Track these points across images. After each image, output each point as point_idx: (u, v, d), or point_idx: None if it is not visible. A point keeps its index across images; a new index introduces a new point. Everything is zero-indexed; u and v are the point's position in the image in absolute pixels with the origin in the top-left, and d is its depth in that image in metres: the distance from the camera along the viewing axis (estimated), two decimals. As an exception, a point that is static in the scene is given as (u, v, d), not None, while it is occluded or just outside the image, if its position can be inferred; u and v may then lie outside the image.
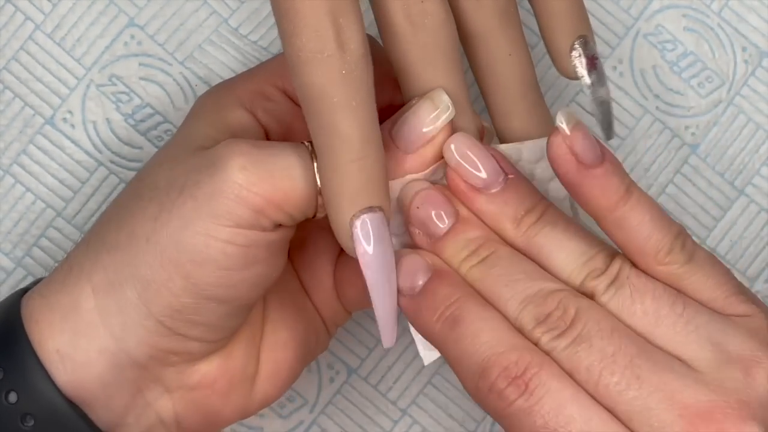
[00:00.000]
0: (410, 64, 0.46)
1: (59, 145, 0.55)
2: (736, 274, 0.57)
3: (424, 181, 0.46)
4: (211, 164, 0.45)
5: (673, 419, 0.42)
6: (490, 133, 0.49)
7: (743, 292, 0.45)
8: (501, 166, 0.46)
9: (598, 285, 0.44)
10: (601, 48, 0.57)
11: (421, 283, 0.45)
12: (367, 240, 0.43)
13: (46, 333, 0.46)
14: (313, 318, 0.51)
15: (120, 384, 0.47)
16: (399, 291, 0.45)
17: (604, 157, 0.44)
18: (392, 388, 0.56)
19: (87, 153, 0.55)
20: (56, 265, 0.48)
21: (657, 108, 0.57)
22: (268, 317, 0.50)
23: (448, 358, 0.45)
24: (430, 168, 0.46)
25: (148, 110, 0.56)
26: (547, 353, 0.43)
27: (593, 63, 0.48)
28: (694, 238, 0.57)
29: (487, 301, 0.45)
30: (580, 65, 0.48)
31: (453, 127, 0.46)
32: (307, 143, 0.45)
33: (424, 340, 0.47)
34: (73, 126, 0.55)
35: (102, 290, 0.46)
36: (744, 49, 0.58)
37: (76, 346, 0.46)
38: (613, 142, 0.57)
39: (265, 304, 0.50)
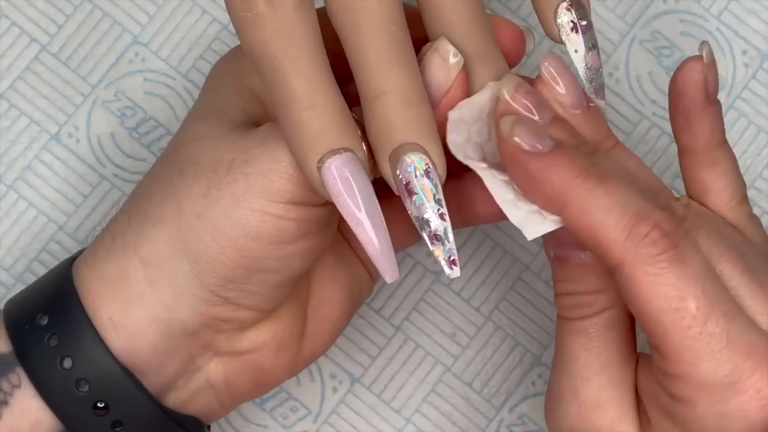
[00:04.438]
0: None
1: (63, 159, 0.56)
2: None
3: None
4: (261, 143, 0.45)
5: None
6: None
7: None
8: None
9: None
10: (596, 54, 0.58)
11: (547, 144, 0.44)
12: (334, 184, 0.43)
13: (99, 301, 0.47)
14: (356, 267, 0.51)
15: (172, 352, 0.47)
16: (516, 146, 0.44)
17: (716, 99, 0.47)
18: (396, 397, 0.56)
19: (90, 167, 0.56)
20: (96, 234, 0.48)
21: (654, 113, 0.57)
22: (314, 276, 0.50)
23: (588, 209, 0.43)
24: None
25: (152, 123, 0.57)
26: None
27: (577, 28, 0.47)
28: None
29: None
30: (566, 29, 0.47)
31: None
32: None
33: (524, 217, 0.45)
34: (78, 140, 0.57)
35: (151, 262, 0.47)
36: (744, 53, 0.58)
37: (128, 315, 0.47)
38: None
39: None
